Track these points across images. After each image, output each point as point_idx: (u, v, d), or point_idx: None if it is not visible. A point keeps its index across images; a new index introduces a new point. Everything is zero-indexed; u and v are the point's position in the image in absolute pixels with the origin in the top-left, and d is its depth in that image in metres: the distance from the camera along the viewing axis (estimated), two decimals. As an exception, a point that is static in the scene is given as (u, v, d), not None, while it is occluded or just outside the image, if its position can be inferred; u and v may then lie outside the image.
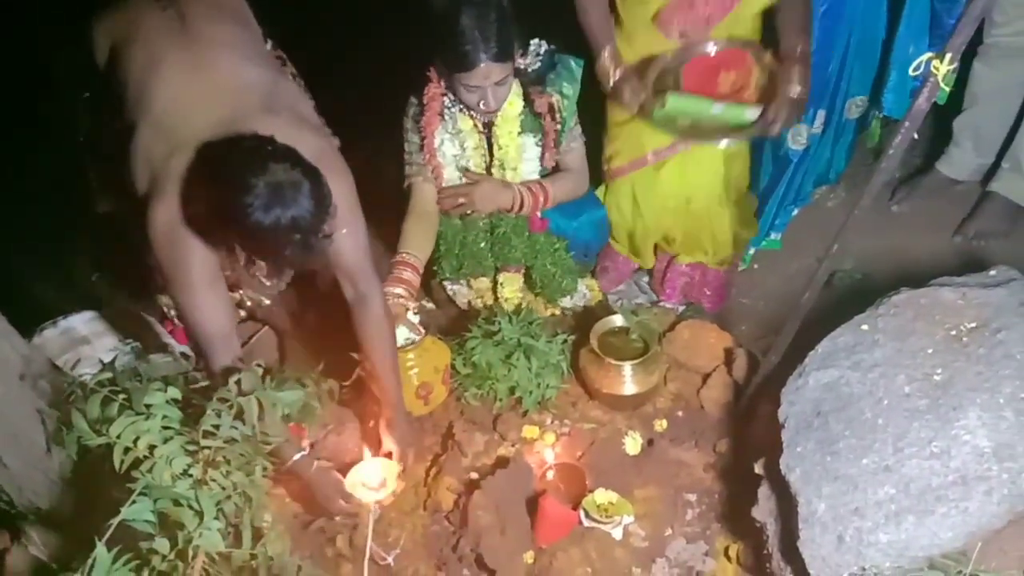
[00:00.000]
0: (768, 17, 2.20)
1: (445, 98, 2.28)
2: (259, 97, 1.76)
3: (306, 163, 1.56)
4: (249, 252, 1.66)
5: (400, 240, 2.31)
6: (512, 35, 2.14)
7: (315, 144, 1.73)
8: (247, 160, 1.53)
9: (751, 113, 2.16)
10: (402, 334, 2.16)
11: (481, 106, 2.18)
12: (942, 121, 2.75)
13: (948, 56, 1.34)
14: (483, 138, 2.33)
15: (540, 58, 2.30)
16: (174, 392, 1.52)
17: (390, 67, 2.44)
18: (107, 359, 1.95)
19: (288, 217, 1.51)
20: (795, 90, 2.10)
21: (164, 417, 1.52)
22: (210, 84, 1.74)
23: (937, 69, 1.35)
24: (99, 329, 2.31)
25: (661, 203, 2.36)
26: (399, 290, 2.22)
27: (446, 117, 2.30)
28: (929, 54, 1.36)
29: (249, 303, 2.53)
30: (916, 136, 1.46)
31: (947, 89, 1.38)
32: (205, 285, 1.72)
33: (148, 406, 1.52)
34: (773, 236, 2.76)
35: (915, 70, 1.38)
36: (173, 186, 1.64)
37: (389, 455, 2.06)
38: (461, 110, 2.27)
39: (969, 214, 2.70)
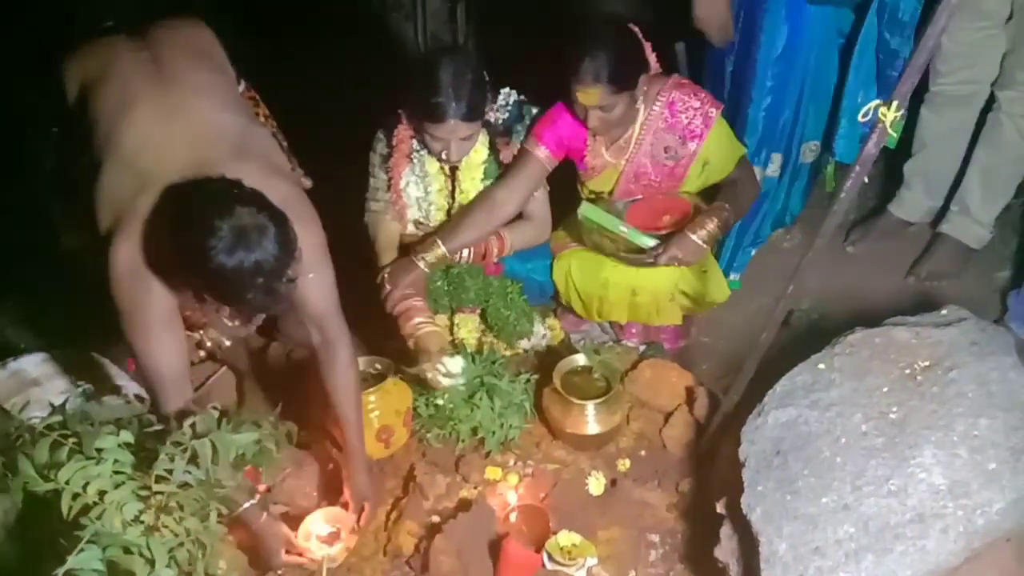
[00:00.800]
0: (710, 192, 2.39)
1: (414, 140, 2.29)
2: (230, 142, 1.75)
3: (272, 207, 1.56)
4: (212, 296, 1.64)
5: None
6: (484, 97, 2.19)
7: (283, 190, 1.73)
8: (212, 203, 1.52)
9: (651, 242, 2.29)
10: (458, 364, 2.16)
11: (443, 156, 2.21)
12: (894, 165, 2.84)
13: (895, 104, 1.39)
14: (448, 181, 2.34)
15: (508, 108, 2.33)
16: (126, 436, 1.49)
17: (362, 102, 2.45)
18: (58, 402, 1.90)
19: (252, 261, 1.49)
20: (699, 236, 2.23)
21: (115, 461, 1.48)
22: (182, 128, 1.73)
23: (885, 116, 1.40)
24: (51, 371, 2.25)
25: (600, 291, 2.39)
26: (425, 318, 2.22)
27: (414, 159, 2.31)
28: (877, 101, 1.40)
29: (209, 344, 2.49)
30: (867, 180, 1.50)
31: (895, 135, 1.42)
32: (162, 326, 1.70)
33: (99, 450, 1.48)
34: (732, 277, 2.80)
35: (863, 116, 1.42)
36: (137, 225, 1.63)
37: (347, 505, 2.02)
38: (429, 153, 2.28)
39: (921, 255, 2.77)
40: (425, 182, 2.33)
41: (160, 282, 1.65)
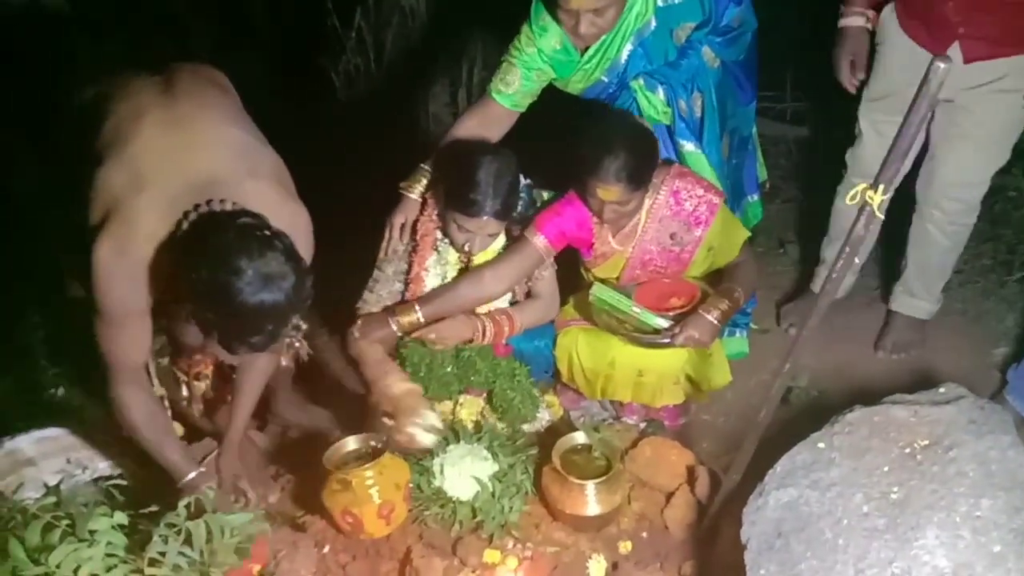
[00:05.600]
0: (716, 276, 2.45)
1: (438, 231, 2.33)
2: (242, 159, 1.75)
3: (298, 256, 1.59)
4: (216, 331, 1.61)
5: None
6: (518, 198, 2.27)
7: (296, 214, 1.77)
8: (242, 241, 1.53)
9: (664, 323, 2.31)
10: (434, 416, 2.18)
11: (465, 248, 2.25)
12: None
13: (881, 187, 1.43)
14: (462, 267, 2.38)
15: (522, 197, 2.39)
16: (120, 517, 1.48)
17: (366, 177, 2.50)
18: (53, 482, 1.89)
19: (269, 307, 1.52)
20: (714, 316, 2.25)
21: (108, 544, 1.46)
22: (189, 139, 1.72)
23: (872, 199, 1.44)
24: (48, 450, 2.23)
25: (607, 371, 2.42)
26: (400, 376, 2.22)
27: (439, 249, 2.35)
28: (863, 185, 1.45)
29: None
30: (857, 260, 1.54)
31: (881, 212, 1.45)
32: (130, 321, 1.74)
33: (92, 532, 1.46)
34: (739, 335, 2.80)
35: (851, 199, 1.46)
36: (128, 224, 1.63)
37: None
38: (450, 243, 2.32)
39: (881, 330, 2.83)
40: (444, 270, 2.37)
41: (134, 284, 1.67)
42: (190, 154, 1.69)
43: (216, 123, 1.78)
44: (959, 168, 2.41)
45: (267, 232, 1.56)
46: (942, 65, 1.31)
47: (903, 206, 2.58)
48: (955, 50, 2.28)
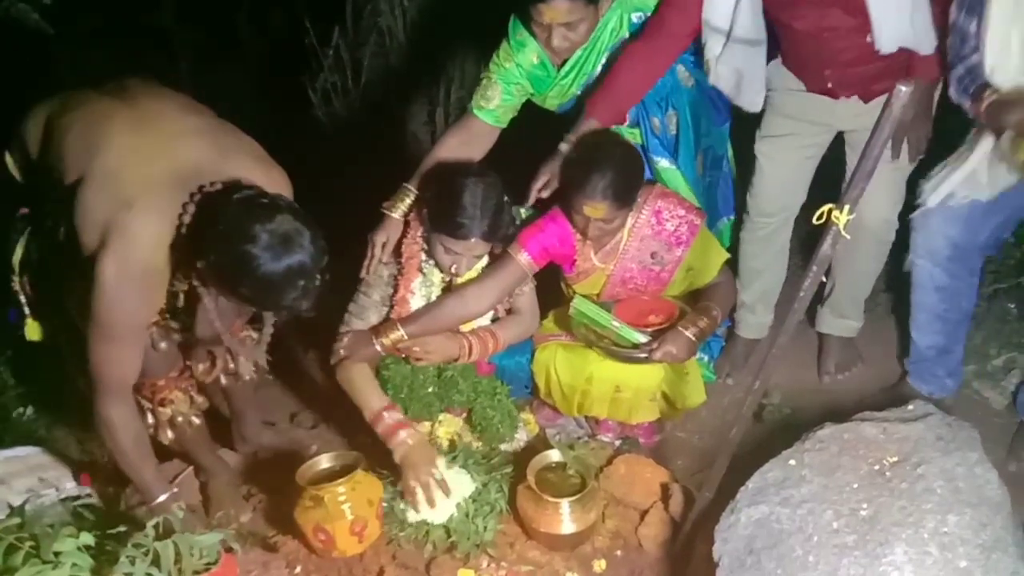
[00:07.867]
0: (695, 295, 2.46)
1: (423, 252, 2.34)
2: (216, 141, 1.79)
3: (302, 211, 1.64)
4: (251, 303, 1.67)
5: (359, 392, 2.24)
6: (503, 219, 2.27)
7: (277, 180, 1.82)
8: (249, 211, 1.58)
9: (642, 338, 2.31)
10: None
11: (452, 269, 2.26)
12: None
13: (847, 207, 1.45)
14: (445, 286, 2.39)
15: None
16: (86, 538, 1.46)
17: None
18: (19, 502, 1.86)
19: (296, 264, 1.58)
20: (692, 332, 2.26)
21: (74, 565, 1.44)
22: (157, 136, 1.75)
23: (838, 219, 1.46)
24: (14, 469, 2.20)
25: (584, 386, 2.43)
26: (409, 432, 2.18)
27: (424, 270, 2.35)
28: (829, 205, 1.47)
29: (180, 419, 2.35)
30: (825, 279, 1.56)
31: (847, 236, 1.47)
32: (130, 337, 1.76)
33: (57, 553, 1.44)
34: (703, 357, 2.81)
35: (818, 219, 1.49)
36: (126, 240, 1.65)
37: None
38: (435, 264, 2.33)
39: (820, 356, 2.85)
40: (429, 292, 2.37)
41: (143, 297, 1.70)
42: (167, 148, 1.73)
43: (180, 114, 1.83)
44: (884, 194, 2.45)
45: (267, 198, 1.61)
46: (904, 88, 1.34)
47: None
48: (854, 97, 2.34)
